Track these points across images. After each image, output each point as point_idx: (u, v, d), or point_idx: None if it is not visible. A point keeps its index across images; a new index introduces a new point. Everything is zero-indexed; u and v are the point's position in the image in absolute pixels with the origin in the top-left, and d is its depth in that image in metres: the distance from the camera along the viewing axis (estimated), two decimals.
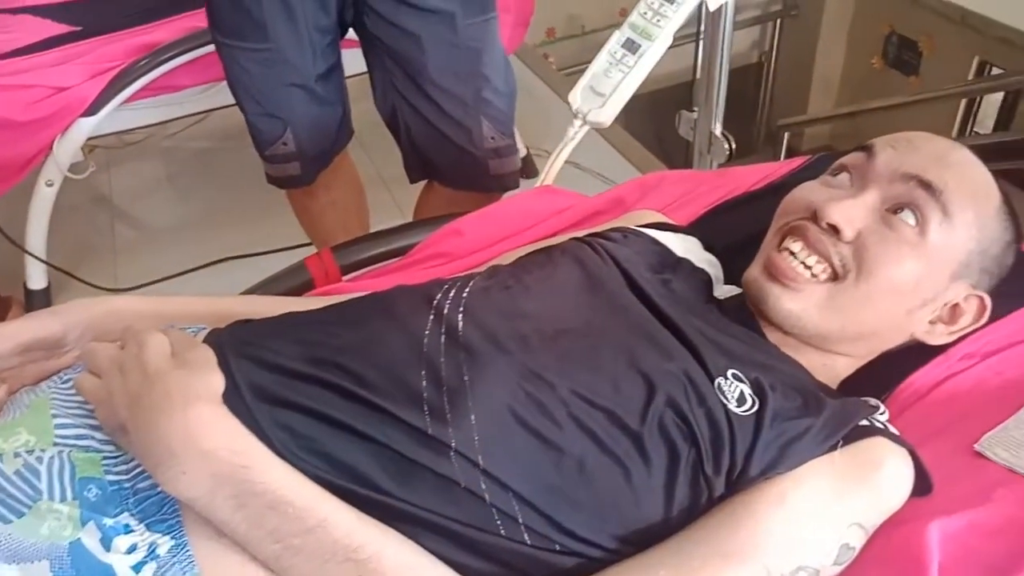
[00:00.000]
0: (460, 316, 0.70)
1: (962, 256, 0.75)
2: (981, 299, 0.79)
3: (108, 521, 0.58)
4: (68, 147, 1.79)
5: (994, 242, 0.77)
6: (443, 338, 0.68)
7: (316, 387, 0.65)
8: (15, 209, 1.88)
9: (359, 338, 0.69)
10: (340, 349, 0.67)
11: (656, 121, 3.07)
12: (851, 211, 0.74)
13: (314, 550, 0.57)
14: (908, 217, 0.74)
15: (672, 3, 1.01)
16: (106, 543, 0.58)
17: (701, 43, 1.55)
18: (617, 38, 1.06)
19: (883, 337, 0.80)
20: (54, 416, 0.65)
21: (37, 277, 1.95)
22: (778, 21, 4.18)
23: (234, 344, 0.69)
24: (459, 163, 1.43)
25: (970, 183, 0.76)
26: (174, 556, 0.58)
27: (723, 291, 0.86)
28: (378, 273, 1.04)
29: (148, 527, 0.59)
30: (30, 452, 0.62)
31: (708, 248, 0.93)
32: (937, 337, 0.80)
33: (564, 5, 3.67)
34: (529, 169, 2.38)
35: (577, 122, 1.08)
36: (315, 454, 0.62)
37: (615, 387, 0.66)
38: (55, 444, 0.63)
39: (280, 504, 0.57)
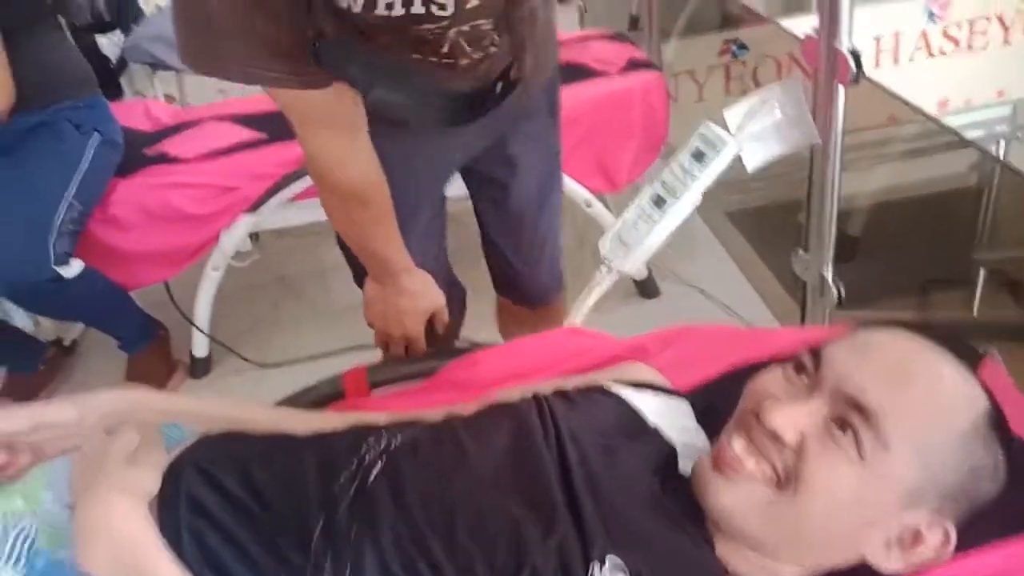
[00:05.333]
0: (378, 466, 0.75)
1: (908, 484, 0.68)
2: (946, 529, 0.70)
3: None
4: (233, 238, 2.04)
5: (952, 471, 0.69)
6: (354, 485, 0.73)
7: (237, 512, 0.73)
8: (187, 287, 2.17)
9: (287, 469, 0.76)
10: (270, 477, 0.75)
11: None
12: (793, 417, 0.70)
13: None
14: (850, 435, 0.68)
15: (701, 163, 1.01)
16: None
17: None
18: (648, 192, 1.07)
19: (826, 553, 0.73)
20: (47, 489, 0.78)
21: (201, 347, 2.22)
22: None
23: (200, 456, 0.79)
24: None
25: (920, 405, 0.69)
26: None
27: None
28: (396, 395, 1.10)
29: None
30: (14, 516, 0.74)
31: (703, 416, 0.90)
32: (892, 564, 0.71)
33: None
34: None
35: (604, 268, 1.09)
36: (215, 571, 0.70)
37: (489, 560, 0.67)
38: (35, 513, 0.75)
39: None
